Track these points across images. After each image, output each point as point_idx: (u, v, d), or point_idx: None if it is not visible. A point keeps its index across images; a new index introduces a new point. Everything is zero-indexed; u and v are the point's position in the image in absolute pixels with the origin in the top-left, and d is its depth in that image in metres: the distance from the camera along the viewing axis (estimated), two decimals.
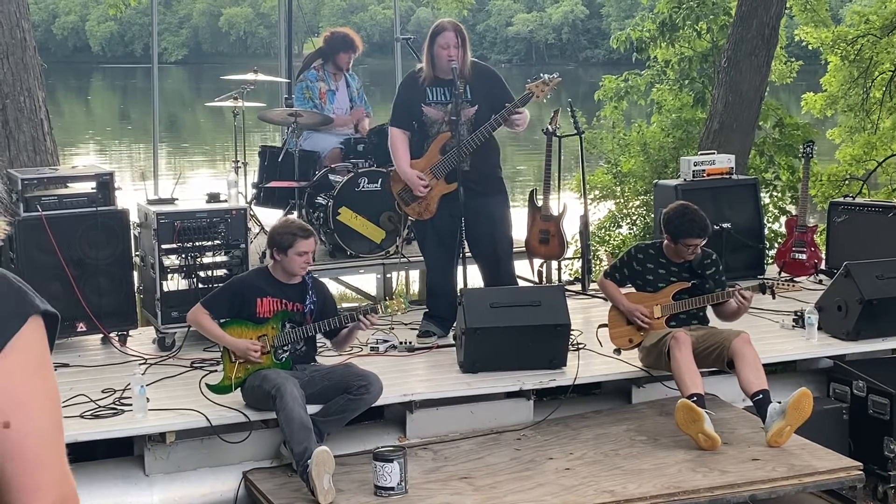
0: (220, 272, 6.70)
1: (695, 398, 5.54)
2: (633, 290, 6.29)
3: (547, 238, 7.87)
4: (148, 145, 11.38)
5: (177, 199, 6.95)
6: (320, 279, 5.94)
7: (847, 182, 12.23)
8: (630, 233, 12.26)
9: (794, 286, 6.31)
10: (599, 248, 11.91)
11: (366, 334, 6.57)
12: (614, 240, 12.22)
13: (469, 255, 6.73)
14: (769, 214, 11.79)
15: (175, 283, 6.65)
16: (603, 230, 12.39)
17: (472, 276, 6.95)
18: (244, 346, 5.42)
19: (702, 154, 8.78)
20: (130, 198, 7.28)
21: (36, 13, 69.08)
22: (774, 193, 12.20)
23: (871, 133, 13.43)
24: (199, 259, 6.64)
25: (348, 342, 5.81)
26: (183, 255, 6.60)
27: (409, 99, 6.66)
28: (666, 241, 6.15)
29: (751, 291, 5.98)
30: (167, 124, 34.63)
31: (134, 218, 6.82)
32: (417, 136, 6.64)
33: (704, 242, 6.08)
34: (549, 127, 8.00)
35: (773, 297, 6.28)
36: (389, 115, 6.82)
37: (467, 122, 6.57)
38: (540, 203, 7.93)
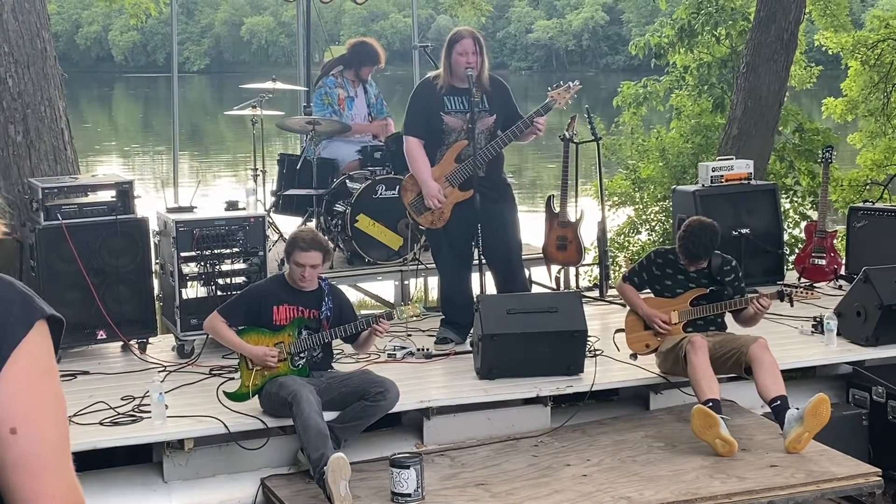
0: (239, 280, 6.74)
1: (711, 403, 5.53)
2: (651, 294, 6.29)
3: (564, 244, 7.87)
4: (171, 154, 11.42)
5: (196, 207, 6.99)
6: (338, 286, 5.96)
7: (868, 187, 12.17)
8: (649, 239, 12.23)
9: (811, 293, 6.28)
10: (619, 254, 11.89)
11: (383, 341, 6.61)
12: (633, 246, 12.20)
13: (483, 261, 6.74)
14: (790, 220, 11.75)
15: (194, 290, 6.69)
16: (622, 236, 12.37)
17: (488, 283, 6.96)
18: (261, 353, 5.45)
19: (720, 159, 8.75)
20: (153, 206, 7.33)
21: (59, 23, 69.55)
22: (795, 199, 12.15)
23: (892, 138, 13.35)
24: (217, 267, 6.68)
25: (367, 347, 5.84)
26: (202, 263, 6.64)
27: (425, 107, 6.67)
28: None
29: (769, 298, 5.96)
30: (190, 133, 34.79)
31: (153, 226, 6.87)
32: (434, 144, 6.65)
33: (704, 264, 6.08)
34: (566, 133, 8.00)
35: (791, 305, 6.26)
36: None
37: (485, 131, 6.58)
38: (557, 209, 7.93)
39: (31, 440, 1.65)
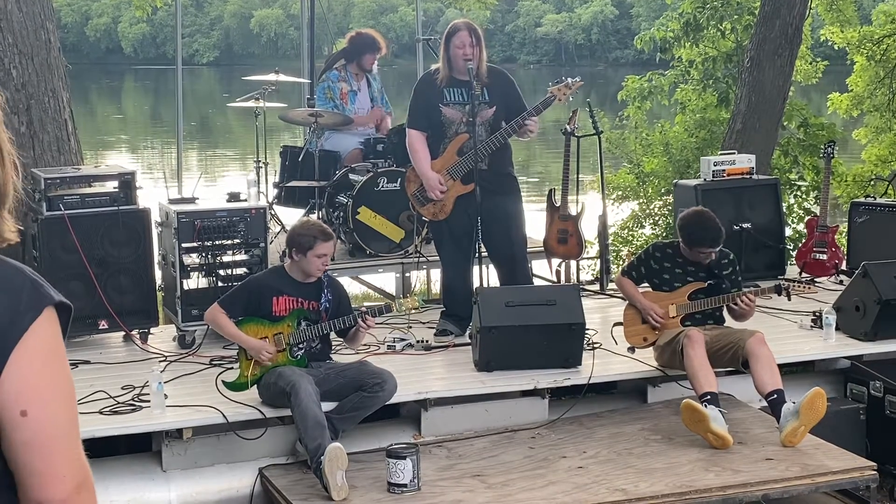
0: (240, 271, 6.76)
1: (708, 396, 5.54)
2: (649, 288, 6.31)
3: (565, 238, 7.88)
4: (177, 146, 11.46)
5: (197, 199, 7.03)
6: (337, 278, 5.98)
7: (872, 183, 12.16)
8: (653, 233, 12.25)
9: (810, 288, 6.29)
10: (623, 248, 11.90)
11: (383, 332, 6.64)
12: (637, 240, 12.21)
13: (485, 254, 6.75)
14: (794, 215, 11.75)
15: (195, 281, 6.72)
16: (626, 230, 12.39)
17: (489, 277, 6.98)
18: (258, 347, 5.48)
19: (722, 154, 8.76)
20: (155, 197, 7.36)
21: (69, 15, 69.71)
22: (799, 194, 12.15)
23: None
24: (219, 258, 6.72)
25: (357, 342, 5.86)
26: (203, 254, 6.67)
27: (426, 100, 6.70)
28: (682, 243, 6.16)
29: (754, 294, 5.98)
30: (198, 125, 34.87)
31: (155, 217, 6.90)
32: (435, 136, 6.68)
33: (718, 249, 6.10)
34: (568, 127, 8.01)
35: (789, 299, 6.27)
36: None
37: (485, 123, 6.60)
38: (558, 203, 7.95)
39: (40, 422, 1.71)
